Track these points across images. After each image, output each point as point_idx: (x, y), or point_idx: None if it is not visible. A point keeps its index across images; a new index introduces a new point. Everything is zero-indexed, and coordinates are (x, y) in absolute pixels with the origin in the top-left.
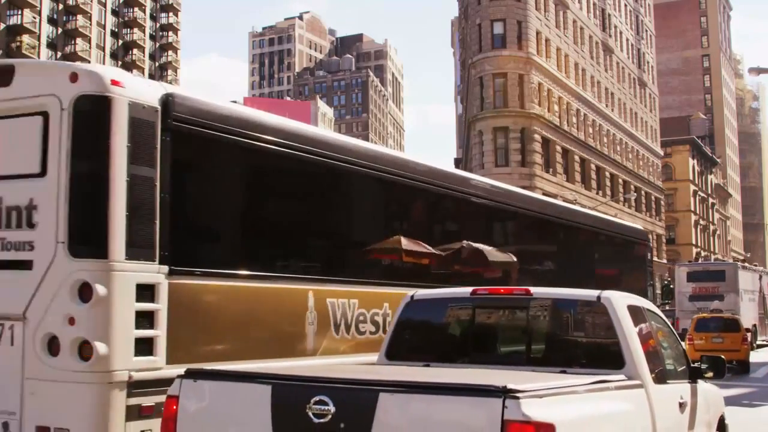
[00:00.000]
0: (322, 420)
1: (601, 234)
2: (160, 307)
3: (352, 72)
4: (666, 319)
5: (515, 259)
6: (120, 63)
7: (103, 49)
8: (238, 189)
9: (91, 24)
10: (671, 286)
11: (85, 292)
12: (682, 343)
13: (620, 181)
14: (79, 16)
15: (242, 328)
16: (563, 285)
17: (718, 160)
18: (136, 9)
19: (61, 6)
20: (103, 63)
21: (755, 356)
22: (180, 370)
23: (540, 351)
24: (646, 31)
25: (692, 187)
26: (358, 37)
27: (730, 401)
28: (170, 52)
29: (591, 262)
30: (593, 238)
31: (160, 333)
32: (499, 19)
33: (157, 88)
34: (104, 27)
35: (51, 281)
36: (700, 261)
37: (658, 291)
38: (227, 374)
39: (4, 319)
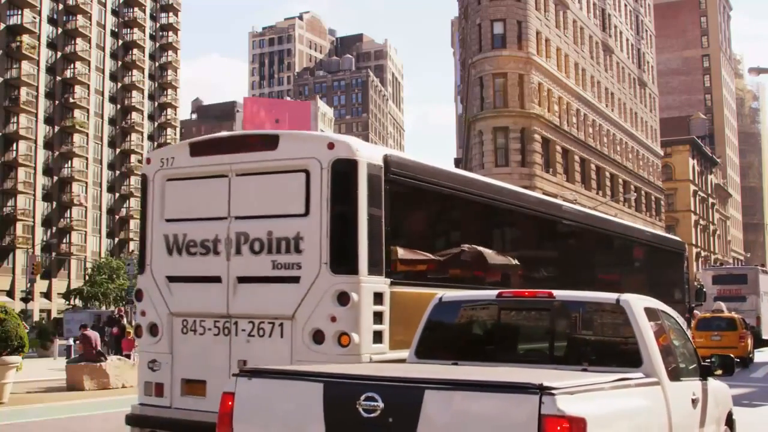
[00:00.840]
0: (371, 415)
1: (651, 245)
2: (386, 308)
3: (352, 72)
4: (678, 320)
5: (593, 268)
6: (120, 63)
7: (103, 49)
8: (428, 222)
9: (91, 24)
10: (704, 290)
11: (342, 298)
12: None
13: (620, 181)
14: (79, 16)
15: None
16: (626, 290)
17: (718, 160)
18: (136, 9)
19: (61, 6)
20: (103, 63)
21: (761, 356)
22: (397, 354)
23: (562, 350)
24: (646, 31)
25: (692, 187)
26: (358, 37)
27: None
28: (170, 52)
29: (644, 270)
30: (646, 249)
31: (385, 327)
32: (499, 19)
33: (380, 151)
34: (104, 27)
35: (316, 291)
36: (723, 266)
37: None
38: (280, 372)
39: (276, 319)
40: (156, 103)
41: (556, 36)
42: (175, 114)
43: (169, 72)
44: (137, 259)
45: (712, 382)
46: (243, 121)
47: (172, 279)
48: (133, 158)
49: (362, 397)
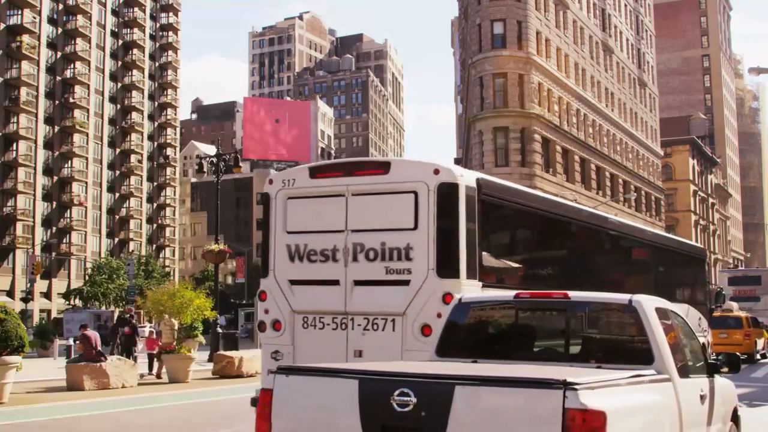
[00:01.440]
0: (404, 409)
1: (677, 252)
2: None
3: (352, 72)
4: (686, 319)
5: (633, 271)
6: (120, 63)
7: (103, 49)
8: (511, 234)
9: (91, 24)
10: (723, 292)
11: (447, 298)
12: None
13: (620, 181)
14: (79, 16)
15: None
16: (660, 292)
17: (718, 160)
18: (136, 9)
19: (61, 6)
20: (103, 63)
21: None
22: None
23: (577, 348)
24: (646, 31)
25: (692, 187)
26: (358, 37)
27: None
28: (170, 52)
29: (672, 274)
30: (673, 256)
31: None
32: (499, 19)
33: (474, 175)
34: (104, 27)
35: (424, 292)
36: (738, 268)
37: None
38: (317, 370)
39: (389, 315)
40: (156, 103)
41: (556, 36)
42: (175, 114)
43: (169, 72)
44: (261, 265)
45: (718, 379)
46: (243, 121)
47: (293, 282)
48: (133, 158)
49: (396, 393)
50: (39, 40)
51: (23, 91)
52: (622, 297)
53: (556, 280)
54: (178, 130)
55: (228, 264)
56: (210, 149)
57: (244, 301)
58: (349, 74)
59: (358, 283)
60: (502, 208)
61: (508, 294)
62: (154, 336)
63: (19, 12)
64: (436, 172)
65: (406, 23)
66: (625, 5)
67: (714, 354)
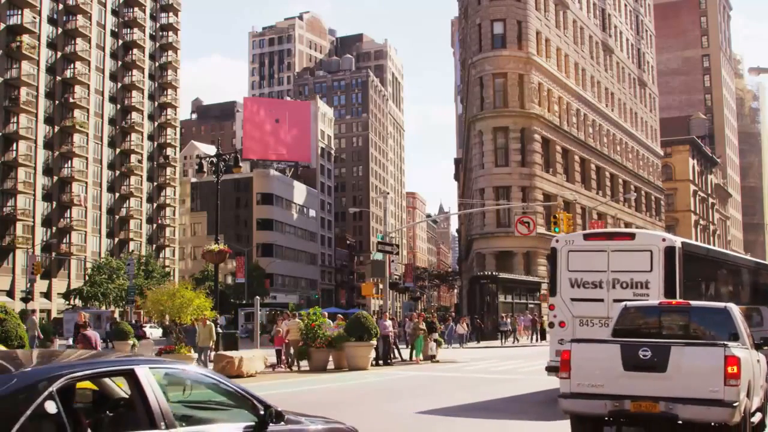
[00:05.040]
0: (645, 358)
1: (760, 270)
2: None
3: (352, 72)
4: (754, 316)
5: (751, 286)
6: (120, 63)
7: (103, 49)
8: (699, 276)
9: (91, 24)
10: None
11: None
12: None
13: (620, 181)
14: (79, 16)
15: None
16: (756, 299)
17: (718, 160)
18: (136, 9)
19: (61, 6)
20: (103, 63)
21: None
22: None
23: (697, 335)
24: (646, 31)
25: (692, 187)
26: (358, 37)
27: None
28: (170, 52)
29: (759, 285)
30: (762, 273)
31: None
32: (499, 19)
33: (680, 240)
34: (104, 27)
35: None
36: None
37: None
38: (594, 341)
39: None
40: (156, 103)
41: (556, 36)
42: (175, 114)
43: (169, 72)
44: (549, 289)
45: (761, 352)
46: (243, 120)
47: (573, 299)
48: (133, 158)
49: (640, 350)
50: (39, 40)
51: (23, 91)
52: (720, 304)
53: (720, 295)
54: (178, 130)
55: (228, 264)
56: (210, 149)
57: (244, 301)
58: (349, 74)
59: (615, 300)
60: (693, 258)
61: (655, 302)
62: (282, 334)
63: (19, 12)
64: (663, 240)
65: (406, 23)
66: (625, 5)
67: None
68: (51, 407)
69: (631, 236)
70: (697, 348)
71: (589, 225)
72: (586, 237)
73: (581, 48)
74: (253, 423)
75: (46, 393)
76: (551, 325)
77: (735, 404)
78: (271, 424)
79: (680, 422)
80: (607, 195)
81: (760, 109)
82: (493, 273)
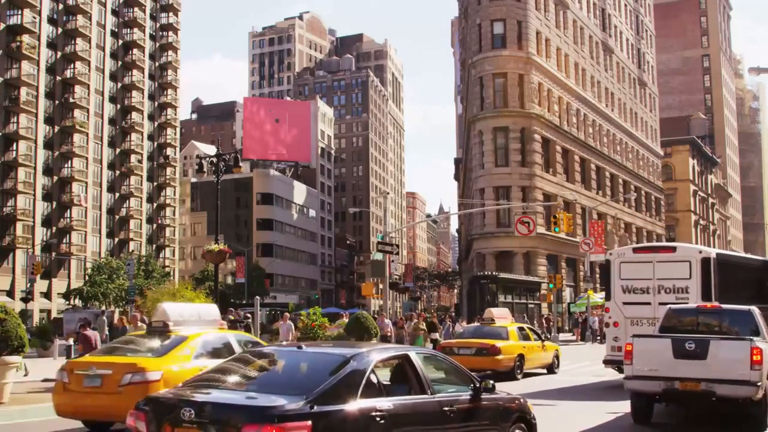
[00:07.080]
0: (690, 349)
1: None
2: None
3: (352, 72)
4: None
5: None
6: (120, 63)
7: (103, 49)
8: (730, 280)
9: (91, 24)
10: None
11: None
12: None
13: (620, 181)
14: (79, 16)
15: None
16: None
17: (718, 160)
18: (136, 9)
19: (61, 6)
20: (103, 63)
21: None
22: None
23: (726, 331)
24: (646, 31)
25: (692, 187)
26: (358, 37)
27: None
28: (170, 52)
29: None
30: None
31: None
32: (499, 19)
33: (713, 251)
34: (104, 27)
35: None
36: None
37: None
38: (651, 336)
39: None
40: (156, 103)
41: (556, 36)
42: (175, 114)
43: (169, 72)
44: (605, 294)
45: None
46: (243, 120)
47: (625, 303)
48: (133, 158)
49: (686, 342)
50: (39, 40)
51: (23, 91)
52: (744, 307)
53: (750, 297)
54: (178, 130)
55: (228, 264)
56: (210, 149)
57: (244, 301)
58: (349, 74)
59: (661, 303)
60: (726, 265)
61: (693, 305)
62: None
63: (19, 12)
64: (699, 252)
65: (406, 23)
66: (625, 5)
67: None
68: (373, 378)
69: (673, 249)
70: (730, 341)
71: (589, 225)
72: (635, 250)
73: (581, 48)
74: (472, 390)
75: (370, 368)
76: (606, 324)
77: (759, 384)
78: (484, 392)
79: (714, 399)
80: (607, 195)
81: (760, 109)
82: (493, 273)
